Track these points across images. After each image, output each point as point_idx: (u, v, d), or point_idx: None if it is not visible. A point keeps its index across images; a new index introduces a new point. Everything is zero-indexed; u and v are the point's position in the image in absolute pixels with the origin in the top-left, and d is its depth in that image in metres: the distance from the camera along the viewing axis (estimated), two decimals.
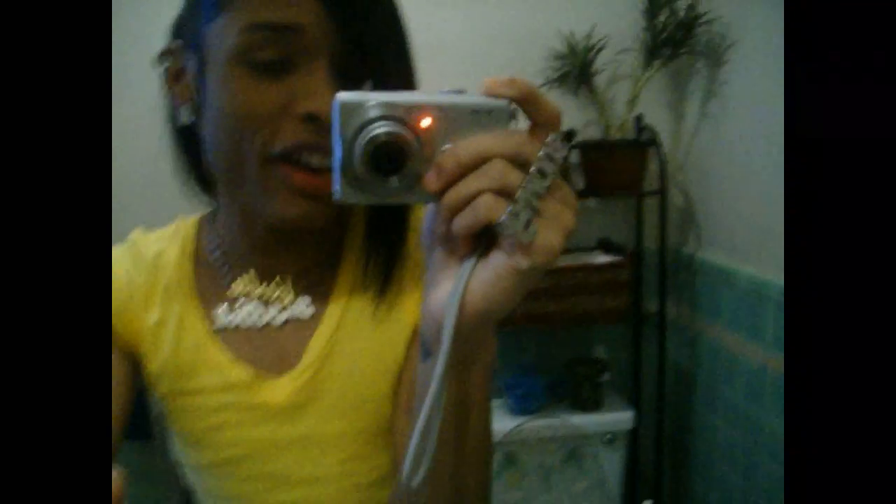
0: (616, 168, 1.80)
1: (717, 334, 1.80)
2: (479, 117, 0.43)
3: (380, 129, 0.42)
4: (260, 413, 0.66)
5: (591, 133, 1.94)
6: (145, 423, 1.66)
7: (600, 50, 1.82)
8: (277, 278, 0.69)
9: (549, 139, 0.42)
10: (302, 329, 0.68)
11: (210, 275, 0.70)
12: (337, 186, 0.44)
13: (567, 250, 1.92)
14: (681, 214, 2.01)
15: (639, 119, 1.87)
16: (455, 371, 0.48)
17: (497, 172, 0.41)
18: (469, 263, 0.44)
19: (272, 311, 0.68)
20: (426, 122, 0.43)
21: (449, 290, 0.44)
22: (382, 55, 0.58)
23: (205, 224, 0.74)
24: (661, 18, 1.75)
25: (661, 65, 1.79)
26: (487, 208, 0.41)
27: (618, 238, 1.99)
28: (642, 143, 1.85)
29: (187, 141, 0.68)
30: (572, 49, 1.80)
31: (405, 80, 0.61)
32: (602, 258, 1.89)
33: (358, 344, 0.68)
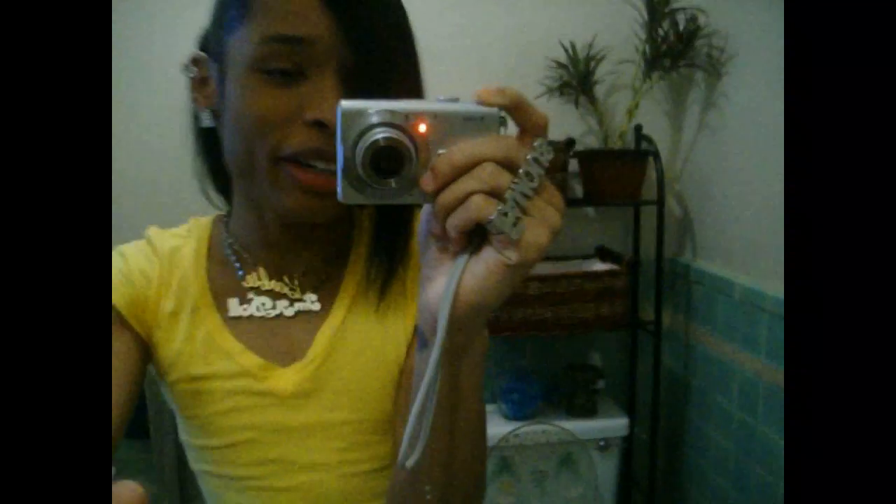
0: (614, 177, 1.82)
1: (712, 343, 1.81)
2: (471, 124, 0.46)
3: (379, 134, 0.45)
4: (267, 400, 0.69)
5: (590, 142, 1.96)
6: (143, 421, 1.68)
7: (601, 60, 1.84)
8: (287, 275, 0.73)
9: (536, 144, 0.45)
10: (310, 322, 0.72)
11: (223, 271, 0.74)
12: (339, 188, 0.47)
13: (565, 258, 1.95)
14: (678, 224, 2.03)
15: (638, 129, 1.90)
16: (449, 359, 0.51)
17: (488, 175, 0.44)
18: (462, 259, 0.47)
19: (281, 304, 0.72)
20: (422, 128, 0.46)
21: (444, 284, 0.48)
22: (389, 67, 0.61)
23: (218, 224, 0.78)
24: (662, 30, 1.77)
25: (660, 76, 1.82)
26: (479, 208, 0.44)
27: (615, 246, 2.01)
28: (641, 153, 1.87)
29: (208, 143, 0.73)
30: (573, 59, 1.82)
31: (412, 91, 0.64)
32: (599, 266, 1.91)
33: (362, 339, 0.71)
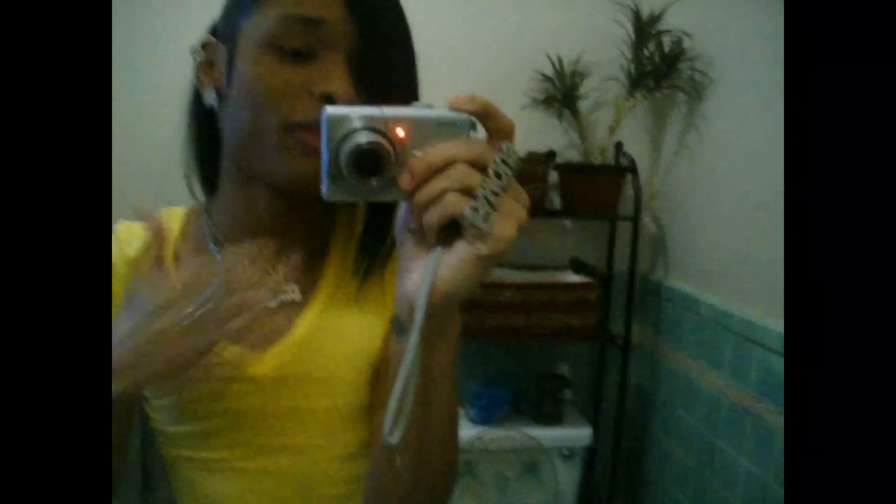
0: (593, 191, 1.86)
1: (679, 360, 1.85)
2: (445, 128, 0.51)
3: (361, 137, 0.50)
4: (244, 385, 0.70)
5: (571, 156, 1.99)
6: None
7: (586, 76, 1.87)
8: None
9: (503, 146, 0.50)
10: (290, 311, 0.73)
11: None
12: (324, 186, 0.51)
13: (539, 267, 1.97)
14: (652, 241, 2.07)
15: (618, 146, 1.93)
16: (425, 343, 0.54)
17: (460, 174, 0.49)
18: (437, 252, 0.51)
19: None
20: (401, 132, 0.50)
21: (420, 275, 0.52)
22: (391, 51, 0.67)
23: (195, 214, 0.79)
24: (648, 51, 1.81)
25: (643, 95, 1.85)
26: (452, 204, 0.49)
27: (589, 259, 2.04)
28: (620, 168, 1.91)
29: (202, 127, 0.77)
30: (559, 73, 1.85)
31: (409, 72, 0.69)
32: (573, 278, 1.94)
33: (340, 329, 0.73)
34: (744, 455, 1.52)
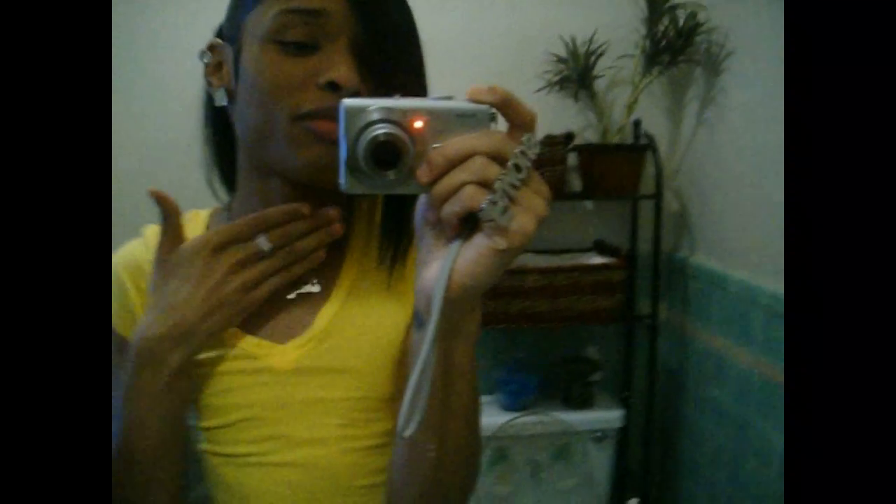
0: (613, 171, 1.84)
1: (708, 337, 1.83)
2: (463, 120, 0.50)
3: (379, 129, 0.49)
4: (266, 377, 0.71)
5: (589, 136, 1.97)
6: None
7: (601, 55, 1.85)
8: None
9: (524, 138, 0.49)
10: (311, 303, 0.74)
11: None
12: (342, 178, 0.51)
13: (563, 251, 1.96)
14: (675, 219, 2.04)
15: (637, 124, 1.91)
16: (443, 337, 0.55)
17: (479, 167, 0.48)
18: (455, 245, 0.51)
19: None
20: (419, 124, 0.50)
21: (438, 268, 0.52)
22: (395, 39, 0.67)
23: (217, 214, 0.81)
24: (662, 26, 1.79)
25: (659, 71, 1.83)
26: (470, 197, 0.48)
27: (613, 240, 2.02)
28: (639, 147, 1.89)
29: (218, 126, 0.78)
30: (573, 54, 1.84)
31: (413, 57, 0.69)
32: (597, 259, 1.92)
33: (362, 320, 0.73)
34: (778, 430, 1.50)
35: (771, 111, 1.54)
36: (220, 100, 0.72)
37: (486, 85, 0.50)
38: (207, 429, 0.73)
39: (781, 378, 1.48)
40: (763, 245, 1.59)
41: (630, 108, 1.86)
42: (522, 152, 0.49)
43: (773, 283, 1.53)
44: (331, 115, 0.63)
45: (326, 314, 0.73)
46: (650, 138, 1.88)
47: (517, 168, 0.48)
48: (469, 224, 0.51)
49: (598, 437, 1.90)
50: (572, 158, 1.91)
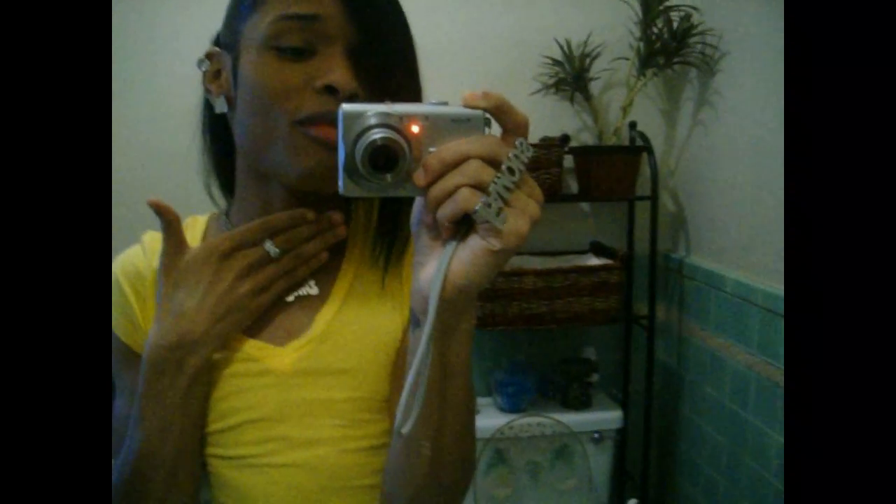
0: (609, 173, 1.84)
1: (705, 337, 1.84)
2: (458, 125, 0.51)
3: (377, 134, 0.50)
4: (266, 379, 0.72)
5: (585, 138, 1.98)
6: None
7: (596, 57, 1.86)
8: None
9: (517, 142, 0.51)
10: (309, 306, 0.75)
11: None
12: (340, 182, 0.52)
13: (560, 252, 1.97)
14: (671, 219, 2.05)
15: (632, 126, 1.92)
16: (439, 337, 0.56)
17: (473, 170, 0.50)
18: (450, 246, 0.52)
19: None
20: (415, 129, 0.51)
21: (434, 269, 0.53)
22: (390, 43, 0.68)
23: (215, 219, 0.82)
24: (656, 28, 1.79)
25: (654, 73, 1.84)
26: (465, 200, 0.49)
27: (609, 242, 2.03)
28: (635, 149, 1.89)
29: (217, 134, 0.79)
30: (568, 56, 1.84)
31: (408, 60, 0.70)
32: (594, 261, 1.93)
33: (360, 322, 0.75)
34: (776, 429, 1.51)
35: (765, 111, 1.55)
36: (221, 107, 0.73)
37: (480, 90, 0.51)
38: (209, 432, 0.74)
39: (778, 377, 1.48)
40: (759, 244, 1.60)
41: (625, 109, 1.87)
42: (516, 156, 0.50)
43: (769, 282, 1.54)
44: (329, 118, 0.64)
45: (325, 316, 0.74)
46: (646, 140, 1.88)
47: (511, 171, 0.50)
48: (464, 226, 0.52)
49: (597, 437, 1.90)
50: (568, 161, 1.92)
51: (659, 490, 2.14)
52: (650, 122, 1.98)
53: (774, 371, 1.50)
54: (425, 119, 0.51)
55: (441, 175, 0.50)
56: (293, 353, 0.73)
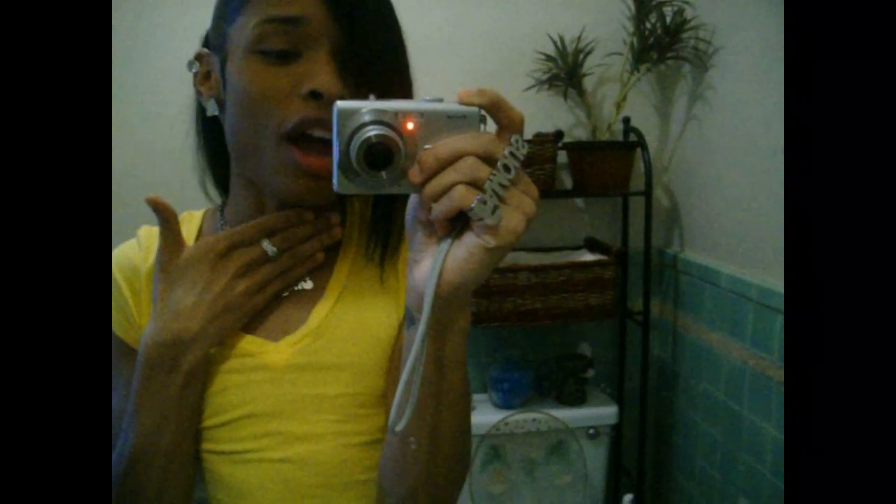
0: (603, 168, 1.84)
1: (700, 332, 1.84)
2: (454, 122, 0.51)
3: (372, 131, 0.50)
4: (261, 374, 0.72)
5: (579, 134, 1.98)
6: None
7: (589, 53, 1.86)
8: None
9: (512, 139, 0.50)
10: (305, 301, 0.75)
11: None
12: (335, 179, 0.52)
13: (554, 248, 1.97)
14: (666, 215, 2.05)
15: (626, 121, 1.92)
16: (434, 334, 0.56)
17: (469, 167, 0.49)
18: (446, 243, 0.52)
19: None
20: (410, 126, 0.51)
21: (429, 266, 0.53)
22: (377, 42, 0.67)
23: (210, 214, 0.82)
24: (649, 23, 1.79)
25: (648, 68, 1.84)
26: (461, 197, 0.49)
27: (604, 237, 2.03)
28: (629, 144, 1.89)
29: (210, 134, 0.79)
30: (562, 52, 1.84)
31: (396, 60, 0.69)
32: (588, 256, 1.93)
33: (356, 318, 0.75)
34: (770, 423, 1.51)
35: (759, 106, 1.55)
36: (212, 109, 0.72)
37: (476, 88, 0.51)
38: (204, 427, 0.74)
39: (773, 371, 1.49)
40: (753, 239, 1.60)
41: (619, 105, 1.87)
42: (511, 153, 0.50)
43: (763, 276, 1.54)
44: (314, 129, 0.64)
45: (320, 311, 0.74)
46: (639, 135, 1.88)
47: (506, 168, 0.50)
48: (459, 223, 0.52)
49: (593, 433, 1.90)
50: (562, 156, 1.92)
51: (655, 485, 2.15)
52: (644, 117, 1.98)
53: (769, 365, 1.50)
54: (420, 116, 0.51)
55: (436, 172, 0.50)
56: (288, 348, 0.73)
